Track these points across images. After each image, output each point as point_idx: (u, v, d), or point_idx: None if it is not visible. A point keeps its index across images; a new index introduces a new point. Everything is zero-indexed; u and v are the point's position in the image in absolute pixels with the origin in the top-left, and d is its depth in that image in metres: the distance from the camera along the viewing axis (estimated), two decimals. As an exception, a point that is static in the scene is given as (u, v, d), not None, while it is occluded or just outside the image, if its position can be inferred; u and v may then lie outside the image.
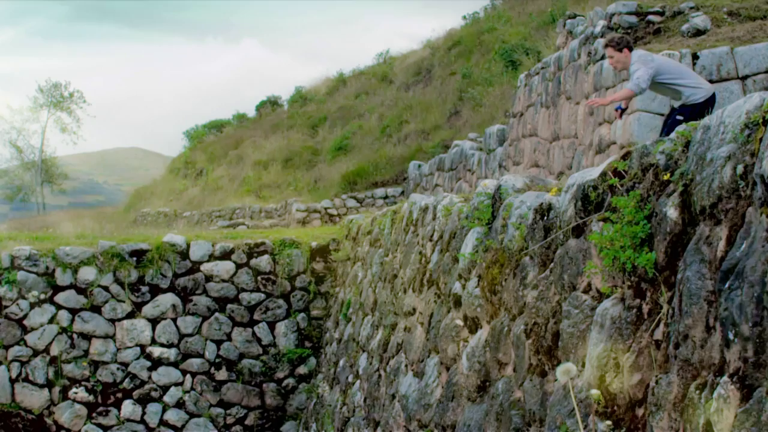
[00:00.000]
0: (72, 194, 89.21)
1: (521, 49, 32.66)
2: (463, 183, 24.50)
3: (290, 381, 17.51)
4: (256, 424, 17.36)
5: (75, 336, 16.55)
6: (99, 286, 16.70)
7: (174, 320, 17.10)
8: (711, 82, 14.04)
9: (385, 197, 31.94)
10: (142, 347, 16.93)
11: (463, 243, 7.72)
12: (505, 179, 7.27)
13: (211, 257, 17.44)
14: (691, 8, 16.16)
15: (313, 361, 17.54)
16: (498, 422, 6.09)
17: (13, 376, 16.17)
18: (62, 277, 16.54)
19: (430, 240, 9.68)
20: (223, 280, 17.37)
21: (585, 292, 4.95)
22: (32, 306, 16.33)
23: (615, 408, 4.30)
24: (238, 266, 17.55)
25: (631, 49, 11.26)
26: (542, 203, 5.88)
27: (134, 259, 16.98)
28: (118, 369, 16.74)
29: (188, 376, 17.12)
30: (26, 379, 16.24)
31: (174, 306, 17.07)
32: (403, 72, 46.90)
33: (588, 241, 4.81)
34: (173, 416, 16.94)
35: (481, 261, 7.06)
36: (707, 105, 11.04)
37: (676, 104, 11.49)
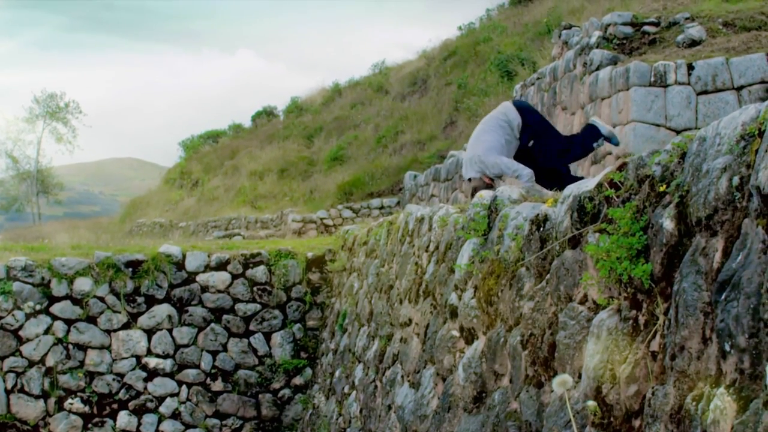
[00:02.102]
0: (67, 205, 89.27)
1: (517, 60, 32.73)
2: (459, 193, 24.50)
3: (286, 392, 17.48)
4: (251, 434, 17.35)
5: (70, 347, 16.52)
6: (95, 296, 16.67)
7: (170, 331, 17.07)
8: (706, 92, 14.11)
9: (381, 207, 31.95)
10: (138, 358, 16.89)
11: (459, 254, 7.72)
12: (501, 190, 7.28)
13: (207, 268, 17.43)
14: (687, 19, 16.22)
15: (309, 371, 17.52)
16: (494, 433, 6.09)
17: (9, 387, 16.13)
18: (58, 288, 16.52)
19: (426, 251, 9.68)
20: (219, 291, 17.36)
21: (581, 303, 4.96)
22: (28, 317, 16.29)
23: (611, 419, 4.30)
24: (234, 277, 17.53)
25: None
26: (538, 214, 5.89)
27: (130, 269, 16.96)
28: (113, 380, 16.71)
29: (184, 386, 17.09)
30: (22, 390, 16.20)
31: (170, 317, 17.05)
32: (398, 82, 46.99)
33: (584, 252, 4.82)
34: (169, 427, 16.90)
35: (477, 272, 7.06)
36: (529, 126, 10.84)
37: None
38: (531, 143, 10.82)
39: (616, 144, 11.27)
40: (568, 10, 31.68)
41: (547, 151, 10.75)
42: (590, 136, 10.92)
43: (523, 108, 10.96)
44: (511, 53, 34.56)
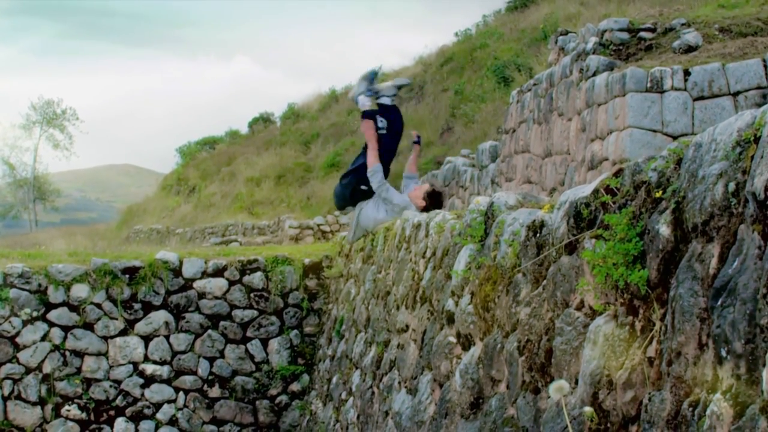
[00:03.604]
0: (64, 211, 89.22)
1: (513, 66, 32.78)
2: (456, 199, 24.53)
3: (283, 398, 17.47)
4: (249, 441, 17.32)
5: (67, 353, 16.50)
6: (91, 303, 16.65)
7: (167, 337, 17.05)
8: (702, 98, 14.12)
9: (379, 214, 31.89)
10: (135, 364, 16.87)
11: (456, 260, 7.72)
12: (497, 196, 7.27)
13: (204, 274, 17.41)
14: (683, 24, 16.22)
15: (306, 378, 17.51)
16: (491, 439, 6.08)
17: (6, 393, 16.11)
18: (55, 295, 16.50)
19: (423, 257, 9.68)
20: (216, 297, 17.34)
21: (578, 309, 4.95)
22: (25, 323, 16.28)
23: (608, 425, 4.30)
24: (231, 283, 17.51)
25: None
26: (535, 220, 5.88)
27: (127, 276, 16.94)
28: (110, 386, 16.69)
29: (181, 393, 17.07)
30: (19, 397, 16.18)
31: (167, 323, 17.03)
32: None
33: (580, 258, 4.82)
34: (166, 434, 16.91)
35: (474, 278, 7.06)
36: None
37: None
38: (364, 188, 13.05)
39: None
40: (564, 16, 31.76)
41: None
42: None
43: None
44: (507, 59, 34.62)
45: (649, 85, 14.31)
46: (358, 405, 11.87)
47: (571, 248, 5.08)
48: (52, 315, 16.50)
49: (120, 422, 16.71)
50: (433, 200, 12.24)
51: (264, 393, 17.45)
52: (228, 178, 46.88)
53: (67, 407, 16.43)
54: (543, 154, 18.40)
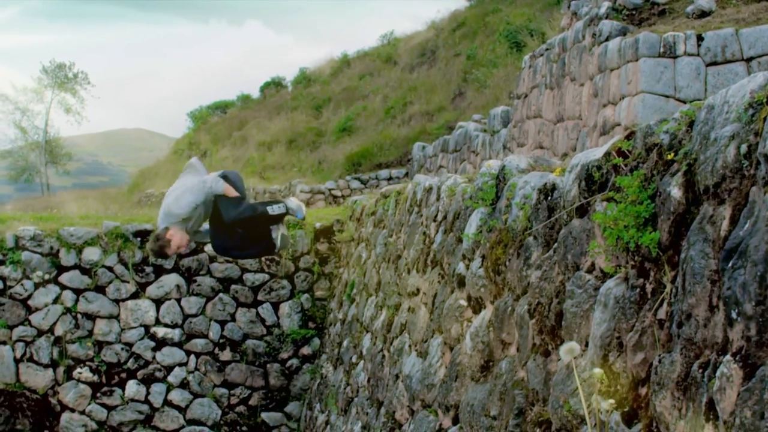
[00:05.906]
0: (76, 175, 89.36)
1: (526, 31, 32.61)
2: (467, 164, 24.50)
3: (294, 361, 17.53)
4: (260, 404, 17.40)
5: (79, 316, 16.58)
6: (103, 266, 16.71)
7: (178, 300, 17.12)
8: (715, 64, 14.05)
9: (389, 178, 31.94)
10: (147, 327, 16.96)
11: (467, 223, 7.72)
12: (509, 160, 7.26)
13: (215, 238, 17.42)
14: (696, -11, 16.10)
15: (317, 341, 17.56)
16: (501, 402, 6.11)
17: (18, 356, 16.22)
18: (67, 258, 16.56)
19: (434, 220, 9.68)
20: (227, 261, 17.37)
21: (588, 271, 4.96)
22: (37, 286, 16.36)
23: (618, 387, 4.32)
24: (243, 247, 17.52)
25: None
26: (546, 183, 5.88)
27: (138, 239, 16.99)
28: (122, 349, 16.78)
29: (192, 356, 17.16)
30: (31, 359, 16.29)
31: (178, 286, 17.09)
32: (407, 53, 46.85)
33: (592, 220, 4.81)
34: (177, 396, 16.99)
35: (485, 241, 7.06)
36: None
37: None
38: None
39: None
40: (577, -20, 31.54)
41: None
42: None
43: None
44: (520, 24, 34.46)
45: (661, 50, 14.23)
46: (368, 368, 11.91)
47: (582, 211, 5.08)
48: (64, 278, 16.57)
49: (131, 385, 16.82)
50: None
51: (275, 356, 17.52)
52: (239, 142, 46.81)
53: (78, 370, 16.54)
54: (555, 120, 18.34)
